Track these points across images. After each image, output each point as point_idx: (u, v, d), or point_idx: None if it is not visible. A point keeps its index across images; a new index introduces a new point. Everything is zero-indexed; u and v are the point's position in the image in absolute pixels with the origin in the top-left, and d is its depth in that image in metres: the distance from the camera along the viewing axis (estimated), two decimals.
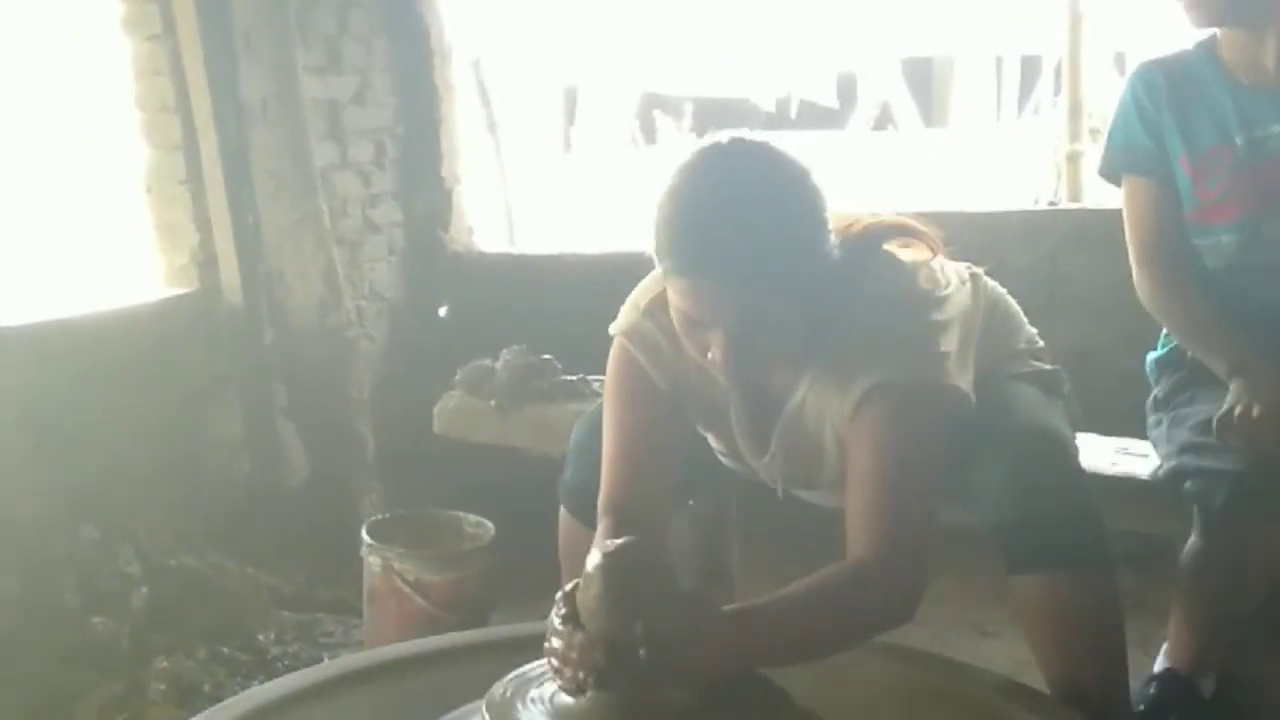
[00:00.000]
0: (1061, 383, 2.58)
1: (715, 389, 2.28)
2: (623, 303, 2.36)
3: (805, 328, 2.08)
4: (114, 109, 4.06)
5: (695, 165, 2.03)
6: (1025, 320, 2.60)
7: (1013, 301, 2.58)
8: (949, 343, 2.16)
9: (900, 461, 2.06)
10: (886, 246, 2.23)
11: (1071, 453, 2.33)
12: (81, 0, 4.01)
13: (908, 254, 2.25)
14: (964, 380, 2.18)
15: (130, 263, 4.13)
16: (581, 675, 1.73)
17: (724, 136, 2.06)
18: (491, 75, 5.59)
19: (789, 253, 1.98)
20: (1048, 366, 2.56)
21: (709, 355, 2.05)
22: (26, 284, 4.08)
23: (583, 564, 1.80)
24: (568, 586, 1.81)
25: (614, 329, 2.33)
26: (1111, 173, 2.79)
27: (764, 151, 2.04)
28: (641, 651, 1.70)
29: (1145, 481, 2.81)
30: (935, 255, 2.27)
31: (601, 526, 2.19)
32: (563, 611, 1.78)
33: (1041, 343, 2.61)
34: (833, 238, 2.07)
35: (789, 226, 1.99)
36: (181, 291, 4.07)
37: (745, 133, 2.08)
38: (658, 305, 2.22)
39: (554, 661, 1.77)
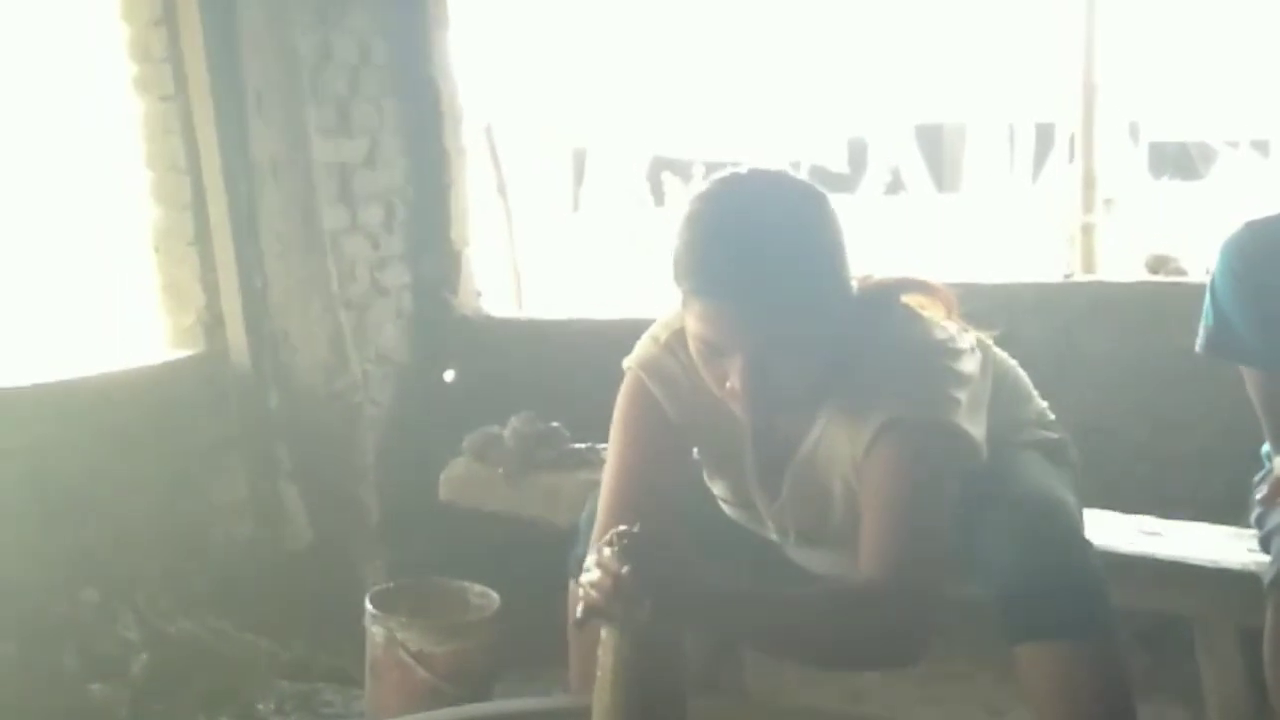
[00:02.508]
0: (1067, 450, 2.55)
1: (731, 428, 2.26)
2: None
3: (822, 361, 2.08)
4: (123, 168, 4.04)
5: (715, 192, 2.06)
6: (1034, 392, 2.58)
7: (1022, 373, 2.57)
8: (961, 394, 2.15)
9: (914, 490, 2.04)
10: (904, 299, 2.24)
11: (1074, 520, 2.31)
12: (94, 59, 4.01)
13: (924, 312, 2.25)
14: (975, 431, 2.16)
15: (136, 323, 4.11)
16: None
17: (742, 167, 2.10)
18: (502, 137, 5.59)
19: (809, 275, 2.00)
20: (1054, 435, 2.54)
21: (726, 385, 2.04)
22: (31, 343, 4.05)
23: (592, 641, 1.76)
24: (612, 532, 1.78)
25: (629, 361, 2.31)
26: (1214, 357, 2.65)
27: (782, 178, 2.10)
28: (625, 569, 1.69)
29: (1161, 561, 2.77)
30: (950, 315, 2.27)
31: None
32: (615, 549, 1.74)
33: (1052, 415, 2.59)
34: (851, 269, 2.09)
35: (810, 248, 2.02)
36: (187, 353, 4.03)
37: (761, 164, 2.12)
38: (678, 341, 2.21)
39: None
